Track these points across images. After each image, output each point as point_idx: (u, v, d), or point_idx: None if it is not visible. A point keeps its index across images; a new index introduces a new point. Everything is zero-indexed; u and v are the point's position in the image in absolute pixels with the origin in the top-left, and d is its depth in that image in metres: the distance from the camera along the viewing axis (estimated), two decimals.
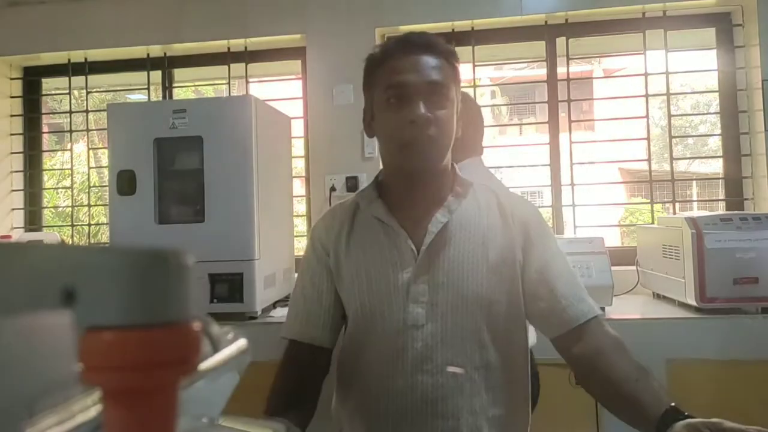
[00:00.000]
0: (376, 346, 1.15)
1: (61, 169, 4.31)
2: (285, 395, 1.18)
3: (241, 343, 0.53)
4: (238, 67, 3.03)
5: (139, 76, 3.16)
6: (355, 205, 1.25)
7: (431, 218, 1.16)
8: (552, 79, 2.88)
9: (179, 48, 3.05)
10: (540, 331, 1.19)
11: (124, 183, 2.26)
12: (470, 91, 2.54)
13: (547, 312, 1.15)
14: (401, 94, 1.12)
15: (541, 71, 2.94)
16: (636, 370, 1.07)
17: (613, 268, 2.20)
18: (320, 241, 1.25)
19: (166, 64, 3.11)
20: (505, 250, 1.16)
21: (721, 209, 2.85)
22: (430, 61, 1.13)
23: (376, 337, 1.15)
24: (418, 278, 1.14)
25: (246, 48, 3.01)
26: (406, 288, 1.14)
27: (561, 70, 2.87)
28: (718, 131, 2.84)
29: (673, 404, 0.99)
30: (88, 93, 3.21)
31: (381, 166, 1.27)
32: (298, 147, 3.01)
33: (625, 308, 2.26)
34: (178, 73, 3.24)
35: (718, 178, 2.90)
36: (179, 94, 3.39)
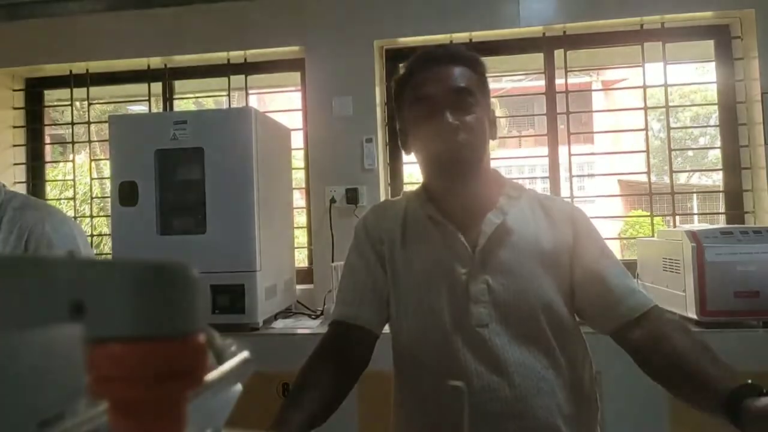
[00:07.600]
0: (438, 344, 1.13)
1: (64, 180, 4.31)
2: (318, 375, 1.12)
3: (245, 354, 0.53)
4: (237, 79, 3.05)
5: (139, 88, 3.18)
6: (405, 204, 1.26)
7: (484, 219, 1.15)
8: (551, 91, 2.89)
9: (179, 60, 3.07)
10: (596, 328, 1.16)
11: (126, 194, 2.27)
12: None
13: (602, 307, 1.13)
14: (427, 106, 1.13)
15: (539, 83, 2.95)
16: (699, 346, 1.02)
17: None
18: (375, 230, 1.24)
19: (167, 76, 3.13)
20: (556, 251, 1.16)
21: (721, 222, 2.85)
22: (452, 70, 1.14)
23: (438, 335, 1.13)
24: (476, 278, 1.13)
25: (246, 60, 3.03)
26: (466, 287, 1.13)
27: (559, 82, 2.89)
28: (718, 144, 2.84)
29: (750, 381, 0.90)
30: (89, 104, 3.23)
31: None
32: (298, 158, 3.02)
33: None
34: (179, 85, 3.26)
35: (719, 191, 2.90)
36: (180, 105, 3.40)
